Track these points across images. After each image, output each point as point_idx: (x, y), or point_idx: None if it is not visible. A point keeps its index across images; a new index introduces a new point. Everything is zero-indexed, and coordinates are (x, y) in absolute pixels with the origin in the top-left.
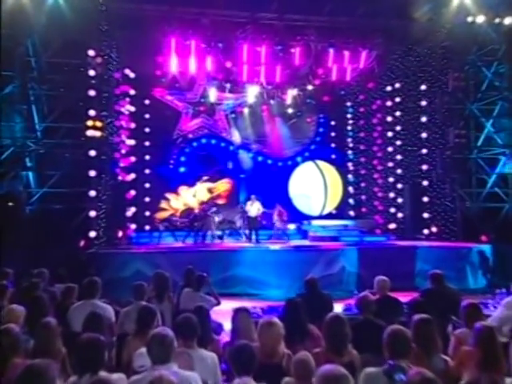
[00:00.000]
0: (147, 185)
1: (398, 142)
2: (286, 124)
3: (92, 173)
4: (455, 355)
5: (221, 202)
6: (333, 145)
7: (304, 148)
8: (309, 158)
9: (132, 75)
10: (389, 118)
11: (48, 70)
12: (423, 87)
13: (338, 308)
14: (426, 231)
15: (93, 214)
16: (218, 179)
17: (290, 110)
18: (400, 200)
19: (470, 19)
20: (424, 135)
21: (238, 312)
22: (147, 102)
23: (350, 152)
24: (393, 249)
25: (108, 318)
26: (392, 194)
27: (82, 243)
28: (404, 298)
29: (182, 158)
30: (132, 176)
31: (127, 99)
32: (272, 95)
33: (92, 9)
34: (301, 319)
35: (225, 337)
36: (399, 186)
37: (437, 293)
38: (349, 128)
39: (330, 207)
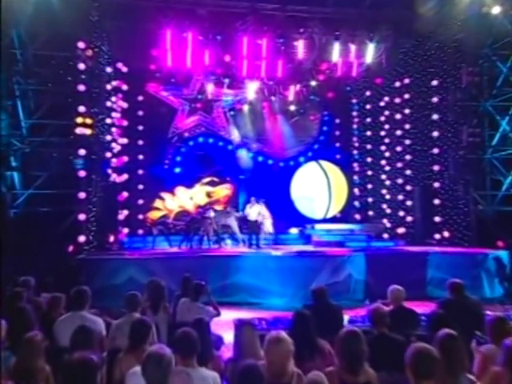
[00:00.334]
0: (140, 186)
1: (408, 142)
2: (287, 122)
3: (82, 173)
4: (481, 375)
5: (218, 208)
6: (337, 144)
7: (307, 147)
8: (312, 158)
9: (124, 69)
10: (397, 116)
11: (35, 63)
12: (434, 83)
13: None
14: (437, 236)
15: (82, 217)
16: (217, 183)
17: (292, 107)
18: (409, 203)
19: (484, 10)
20: (435, 134)
21: (241, 326)
22: (141, 98)
23: (355, 152)
24: (402, 255)
25: (98, 331)
26: (401, 197)
27: (70, 248)
28: (416, 307)
29: (178, 158)
30: (124, 177)
31: (119, 95)
32: (273, 91)
33: None
34: (310, 333)
35: (225, 351)
36: (408, 187)
37: (457, 304)
38: (354, 126)
39: (335, 210)
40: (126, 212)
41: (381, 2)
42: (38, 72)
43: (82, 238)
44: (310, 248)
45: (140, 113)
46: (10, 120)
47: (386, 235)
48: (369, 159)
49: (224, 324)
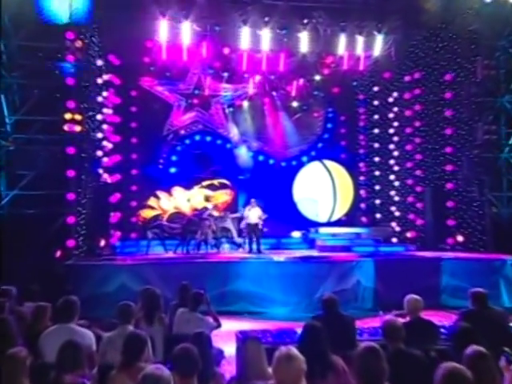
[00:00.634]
0: (134, 187)
1: (418, 140)
2: (290, 119)
3: (71, 173)
4: None
5: (215, 213)
6: (343, 143)
7: (310, 146)
8: (316, 157)
9: (117, 62)
10: (407, 113)
11: (20, 55)
12: (447, 77)
13: None
14: (450, 241)
15: (71, 220)
16: (218, 188)
17: (294, 104)
18: (420, 205)
19: None
20: (448, 132)
21: (246, 341)
22: (134, 93)
23: (362, 151)
24: (414, 261)
25: (87, 346)
26: (411, 199)
27: (58, 254)
28: (429, 318)
29: (174, 157)
30: (116, 177)
31: (111, 90)
32: (275, 86)
33: None
34: (322, 348)
35: (226, 365)
36: (419, 189)
37: (480, 316)
38: (361, 124)
39: (340, 213)
40: (118, 215)
41: None
42: (23, 64)
43: (70, 243)
44: (314, 253)
45: (133, 109)
46: None
47: (394, 239)
48: (376, 159)
49: (224, 335)
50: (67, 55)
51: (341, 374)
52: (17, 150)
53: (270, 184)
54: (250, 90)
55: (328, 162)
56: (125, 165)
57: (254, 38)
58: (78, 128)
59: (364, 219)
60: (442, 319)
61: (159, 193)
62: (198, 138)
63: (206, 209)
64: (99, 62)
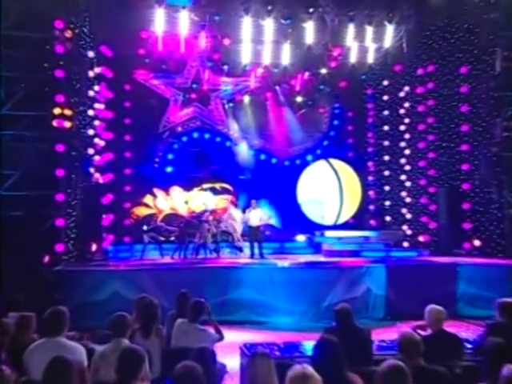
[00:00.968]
0: (127, 188)
1: (431, 137)
2: (294, 115)
3: (60, 172)
4: None
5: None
6: (350, 140)
7: (315, 144)
8: (321, 156)
9: (109, 54)
10: (420, 108)
11: (5, 45)
12: (463, 70)
13: None
14: (466, 245)
15: (60, 222)
16: (219, 192)
17: (299, 99)
18: (433, 207)
19: None
20: (464, 128)
21: (254, 357)
22: (128, 87)
23: (370, 149)
24: (429, 267)
25: (78, 362)
26: (423, 200)
27: (46, 259)
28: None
29: (170, 156)
30: (109, 177)
31: (103, 83)
32: (278, 80)
33: None
34: (340, 366)
35: (228, 380)
36: (432, 190)
37: (510, 329)
38: (370, 120)
39: (347, 215)
40: (110, 217)
41: None
42: (9, 56)
43: (59, 247)
44: (320, 258)
45: (127, 104)
46: None
47: (405, 244)
48: (386, 157)
49: (225, 347)
50: (56, 46)
51: None
52: (2, 147)
53: (272, 185)
54: (252, 84)
55: (334, 161)
56: (118, 164)
57: (256, 29)
58: (67, 124)
59: (373, 222)
60: (460, 330)
61: (156, 191)
62: (196, 135)
63: (204, 212)
64: (90, 54)
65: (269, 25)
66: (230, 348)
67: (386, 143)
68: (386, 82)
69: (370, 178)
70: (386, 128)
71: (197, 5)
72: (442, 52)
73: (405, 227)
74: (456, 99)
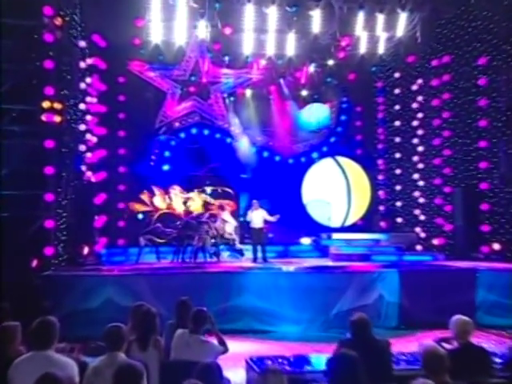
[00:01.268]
0: (121, 187)
1: (447, 133)
2: (299, 110)
3: (49, 170)
4: None
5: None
6: (359, 137)
7: (322, 141)
8: (328, 153)
9: (102, 44)
10: (434, 102)
11: None
12: (481, 61)
13: None
14: (484, 249)
15: (50, 224)
16: (220, 196)
17: (304, 92)
18: (449, 208)
19: None
20: (482, 124)
21: (266, 373)
22: (122, 79)
23: (380, 146)
24: (445, 272)
25: (68, 378)
26: (438, 201)
27: (34, 263)
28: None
29: (167, 153)
30: (102, 175)
31: (96, 75)
32: (282, 72)
33: None
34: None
35: None
36: (448, 189)
37: None
38: (380, 115)
39: (355, 217)
40: (103, 218)
41: None
42: None
43: (48, 250)
44: (327, 262)
45: (121, 97)
46: None
47: (419, 247)
48: (397, 155)
49: (228, 359)
50: (45, 34)
51: None
52: None
53: (275, 184)
54: (254, 76)
55: (342, 159)
56: (111, 161)
57: (259, 17)
58: (57, 118)
59: (383, 224)
60: (479, 341)
61: (155, 188)
62: (194, 131)
63: (203, 214)
64: (82, 43)
65: (273, 13)
66: (233, 360)
67: (397, 140)
68: (397, 75)
69: (380, 177)
70: (397, 123)
71: None
72: (459, 42)
73: (418, 229)
74: (473, 92)
